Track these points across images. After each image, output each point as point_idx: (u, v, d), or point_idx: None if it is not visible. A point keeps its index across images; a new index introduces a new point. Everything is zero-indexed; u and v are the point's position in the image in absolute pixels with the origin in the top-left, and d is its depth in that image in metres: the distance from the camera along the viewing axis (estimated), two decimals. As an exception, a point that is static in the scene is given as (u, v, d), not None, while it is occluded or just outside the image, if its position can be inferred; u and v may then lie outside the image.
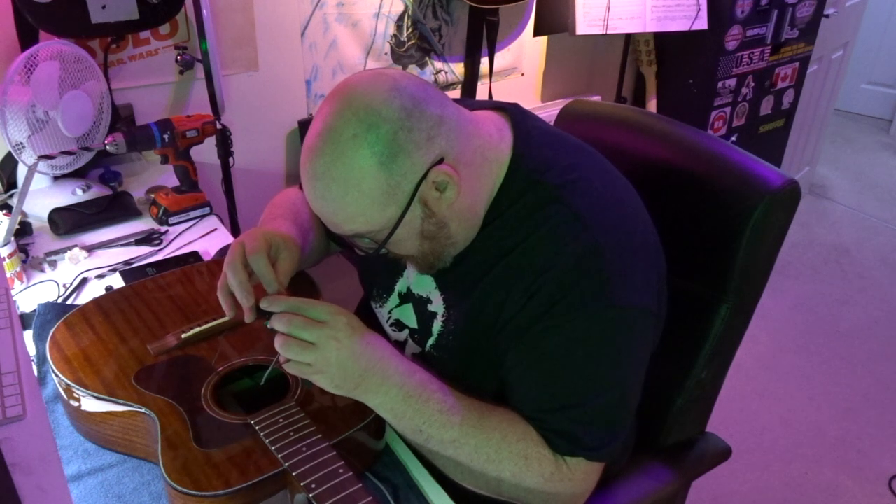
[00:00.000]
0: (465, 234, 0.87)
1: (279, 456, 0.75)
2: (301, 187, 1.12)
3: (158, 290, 1.08)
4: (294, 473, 0.73)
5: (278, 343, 0.77)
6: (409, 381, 0.81)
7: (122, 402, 0.85)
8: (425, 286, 0.95)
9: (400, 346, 0.98)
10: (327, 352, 0.76)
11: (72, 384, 0.86)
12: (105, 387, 0.87)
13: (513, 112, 0.90)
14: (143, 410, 0.84)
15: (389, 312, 1.01)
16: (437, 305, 0.93)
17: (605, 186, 0.87)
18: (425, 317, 0.95)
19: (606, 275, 0.80)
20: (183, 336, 0.96)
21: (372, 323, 1.08)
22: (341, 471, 0.72)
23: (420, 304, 0.96)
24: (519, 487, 0.83)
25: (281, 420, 0.81)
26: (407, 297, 0.98)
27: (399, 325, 0.99)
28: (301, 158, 0.81)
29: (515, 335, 0.84)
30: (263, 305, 0.80)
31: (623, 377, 0.84)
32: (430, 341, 0.94)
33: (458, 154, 0.80)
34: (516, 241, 0.85)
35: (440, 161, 0.78)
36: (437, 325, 0.93)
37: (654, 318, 0.87)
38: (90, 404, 0.86)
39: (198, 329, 0.97)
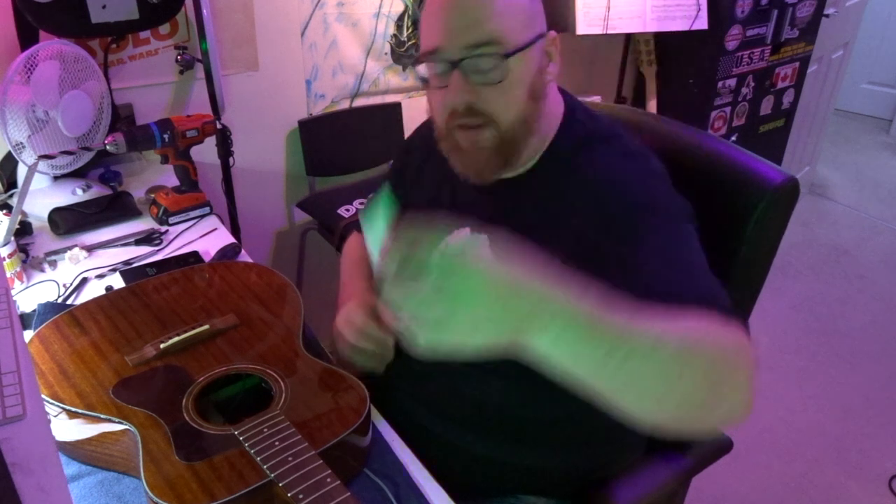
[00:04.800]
0: (540, 133, 0.90)
1: (265, 466, 0.74)
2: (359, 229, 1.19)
3: (135, 299, 1.06)
4: (281, 484, 0.72)
5: None
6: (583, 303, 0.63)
7: (101, 415, 0.83)
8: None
9: None
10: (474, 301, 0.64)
11: (47, 399, 0.85)
12: (82, 400, 0.85)
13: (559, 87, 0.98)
14: (123, 424, 0.82)
15: None
16: None
17: (643, 146, 0.95)
18: None
19: (674, 201, 0.86)
20: (162, 346, 0.94)
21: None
22: (329, 480, 0.72)
23: None
24: (722, 373, 0.66)
25: (266, 429, 0.79)
26: None
27: None
28: None
29: (602, 262, 0.80)
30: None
31: (708, 272, 0.83)
32: None
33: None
34: (571, 187, 0.89)
35: None
36: None
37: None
38: (67, 420, 0.85)
39: (177, 339, 0.95)
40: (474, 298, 0.58)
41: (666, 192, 0.87)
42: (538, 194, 0.91)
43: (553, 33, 0.89)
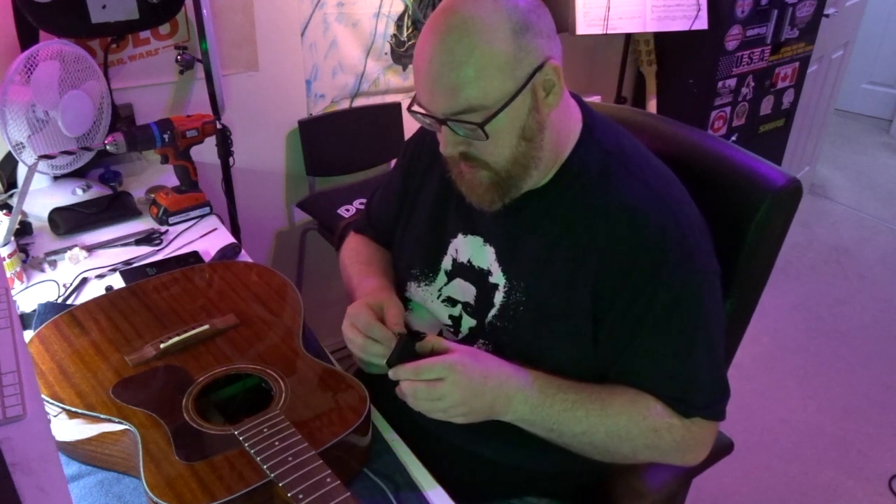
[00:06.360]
0: (545, 161, 0.89)
1: (265, 467, 0.74)
2: (357, 230, 1.21)
3: (135, 299, 1.06)
4: (281, 484, 0.72)
5: (417, 405, 0.84)
6: (530, 394, 0.86)
7: (101, 415, 0.83)
8: (484, 259, 0.97)
9: (455, 320, 1.00)
10: (452, 404, 0.83)
11: (47, 399, 0.85)
12: (82, 400, 0.85)
13: (573, 94, 0.96)
14: (123, 424, 0.82)
15: (440, 290, 1.02)
16: (498, 277, 0.95)
17: (663, 166, 0.94)
18: (486, 289, 0.96)
19: (689, 244, 0.86)
20: (162, 346, 0.94)
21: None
22: (329, 480, 0.72)
23: (480, 277, 0.97)
24: (655, 454, 0.92)
25: (266, 430, 0.79)
26: (453, 273, 1.00)
27: (451, 300, 1.01)
28: (428, 22, 0.85)
29: (607, 306, 0.87)
30: (391, 375, 0.85)
31: (716, 336, 0.91)
32: (493, 312, 0.96)
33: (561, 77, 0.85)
34: (588, 210, 0.88)
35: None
36: (499, 297, 0.95)
37: (720, 281, 0.92)
38: (67, 420, 0.85)
39: (177, 339, 0.95)
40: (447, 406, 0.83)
41: (685, 237, 0.86)
42: (547, 213, 0.91)
43: (552, 61, 0.83)
